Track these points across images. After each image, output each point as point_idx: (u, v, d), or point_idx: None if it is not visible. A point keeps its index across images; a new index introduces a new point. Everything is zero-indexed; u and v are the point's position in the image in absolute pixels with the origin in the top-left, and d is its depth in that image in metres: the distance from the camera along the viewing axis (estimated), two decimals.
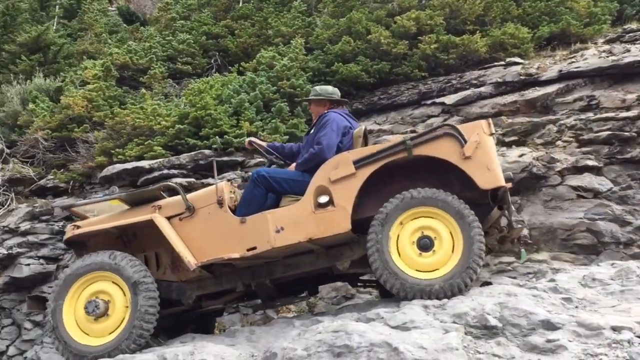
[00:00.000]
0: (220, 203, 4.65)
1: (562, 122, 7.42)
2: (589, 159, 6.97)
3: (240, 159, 7.88)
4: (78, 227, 4.93)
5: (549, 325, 3.43)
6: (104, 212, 5.08)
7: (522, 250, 4.90)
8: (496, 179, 4.20)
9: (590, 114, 7.34)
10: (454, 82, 8.72)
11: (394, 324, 3.79)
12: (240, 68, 9.81)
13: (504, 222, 4.87)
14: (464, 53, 8.90)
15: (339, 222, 4.35)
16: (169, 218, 4.73)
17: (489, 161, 4.22)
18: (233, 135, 7.86)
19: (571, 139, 7.22)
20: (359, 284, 5.57)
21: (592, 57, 7.98)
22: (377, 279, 4.36)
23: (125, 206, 4.96)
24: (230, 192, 4.85)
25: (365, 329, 3.70)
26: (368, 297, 6.26)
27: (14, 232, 7.72)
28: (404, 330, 3.65)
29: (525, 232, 4.81)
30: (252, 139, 5.31)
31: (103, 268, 4.54)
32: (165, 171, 7.57)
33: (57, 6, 13.19)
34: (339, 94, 5.20)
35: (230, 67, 10.16)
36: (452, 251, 4.20)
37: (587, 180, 6.84)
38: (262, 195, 4.71)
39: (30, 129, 8.73)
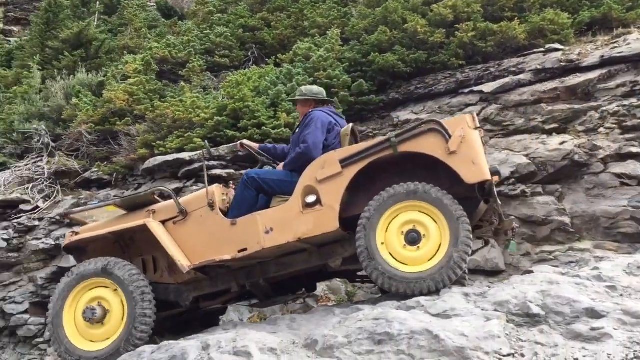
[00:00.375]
0: (211, 206, 4.70)
1: (604, 108, 7.26)
2: (633, 145, 6.81)
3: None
4: (76, 233, 5.03)
5: (594, 314, 3.39)
6: (102, 218, 5.16)
7: (513, 242, 4.84)
8: (481, 173, 4.17)
9: (633, 100, 7.16)
10: (492, 70, 8.60)
11: (434, 312, 3.81)
12: (277, 60, 9.87)
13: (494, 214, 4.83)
14: (502, 40, 8.76)
15: (327, 221, 4.37)
16: (164, 222, 4.78)
17: (474, 155, 4.19)
18: (271, 126, 7.94)
19: (614, 125, 7.07)
20: (357, 280, 5.57)
21: (635, 41, 7.76)
22: (367, 275, 4.39)
23: (123, 211, 5.02)
24: (223, 194, 4.90)
25: (405, 317, 3.72)
26: None
27: (61, 223, 7.98)
28: (445, 318, 3.66)
29: (515, 224, 4.80)
30: (244, 141, 5.34)
31: (98, 275, 4.62)
32: (205, 163, 7.69)
33: (97, 2, 13.49)
34: (325, 94, 5.22)
35: (267, 59, 10.24)
36: (440, 244, 4.19)
37: (630, 167, 6.69)
38: (252, 197, 4.75)
39: (74, 123, 8.97)
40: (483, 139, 4.56)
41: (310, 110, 4.92)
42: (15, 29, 14.12)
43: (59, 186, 8.49)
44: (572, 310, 3.45)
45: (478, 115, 8.04)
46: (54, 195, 8.39)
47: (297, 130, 5.00)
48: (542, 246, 6.61)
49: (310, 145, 4.64)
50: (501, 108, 7.94)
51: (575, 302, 3.50)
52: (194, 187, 7.47)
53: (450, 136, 4.22)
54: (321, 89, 5.25)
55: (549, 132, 7.38)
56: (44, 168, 8.61)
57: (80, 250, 5.05)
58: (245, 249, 4.51)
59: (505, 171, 7.03)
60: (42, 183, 8.48)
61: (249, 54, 10.60)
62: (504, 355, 3.08)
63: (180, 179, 7.81)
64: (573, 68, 7.84)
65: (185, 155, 7.83)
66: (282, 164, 5.04)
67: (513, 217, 4.97)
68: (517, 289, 3.83)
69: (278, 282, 5.15)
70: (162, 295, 4.85)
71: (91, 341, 4.57)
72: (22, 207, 8.17)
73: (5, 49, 12.19)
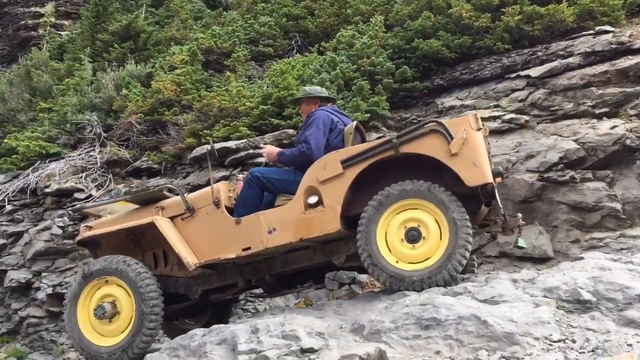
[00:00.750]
0: (216, 204, 4.77)
1: None
2: None
3: None
4: (90, 228, 5.19)
5: None
6: (115, 211, 5.27)
7: (520, 238, 4.83)
8: (483, 176, 4.13)
9: None
10: (539, 53, 8.41)
11: (481, 298, 3.82)
12: (321, 48, 9.90)
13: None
14: (549, 23, 8.54)
15: (328, 222, 4.41)
16: (172, 218, 4.87)
17: (476, 157, 4.15)
18: None
19: None
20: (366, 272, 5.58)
21: None
22: (369, 273, 4.43)
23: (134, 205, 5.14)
24: (230, 190, 4.98)
25: (452, 302, 3.74)
26: None
27: None
28: (493, 304, 3.67)
29: (521, 221, 4.80)
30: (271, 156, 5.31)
31: (107, 273, 4.73)
32: (251, 151, 7.84)
33: None
34: (327, 93, 5.26)
35: (310, 48, 10.27)
36: (440, 242, 4.19)
37: None
38: (257, 195, 4.81)
39: (124, 113, 9.22)
40: (487, 138, 4.52)
41: (313, 111, 4.94)
42: (66, 22, 14.56)
43: (110, 175, 8.78)
44: (625, 297, 3.41)
45: (525, 100, 7.93)
46: (107, 184, 8.68)
47: (299, 131, 5.04)
48: (592, 233, 6.48)
49: (312, 147, 4.67)
50: (549, 92, 7.77)
51: (628, 289, 3.45)
52: (240, 175, 7.61)
53: (452, 137, 4.18)
54: (324, 89, 5.33)
55: (599, 117, 7.20)
56: (96, 157, 8.90)
57: (94, 243, 5.17)
58: (249, 248, 4.60)
59: (554, 157, 6.91)
60: (95, 172, 8.78)
61: (293, 42, 10.65)
62: (554, 341, 3.07)
63: (226, 167, 7.97)
64: (624, 50, 7.59)
65: (231, 144, 7.98)
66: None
67: (521, 215, 4.93)
68: (567, 275, 3.80)
69: (286, 274, 5.20)
70: (172, 288, 4.98)
71: (104, 336, 4.71)
72: (77, 195, 8.48)
73: (58, 42, 12.59)
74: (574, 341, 3.03)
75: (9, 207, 8.67)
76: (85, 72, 10.26)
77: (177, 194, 4.97)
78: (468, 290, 3.97)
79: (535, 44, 8.64)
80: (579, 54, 7.91)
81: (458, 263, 4.13)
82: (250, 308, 7.45)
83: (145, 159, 8.77)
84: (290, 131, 7.94)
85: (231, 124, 8.24)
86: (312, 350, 3.76)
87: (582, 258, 4.65)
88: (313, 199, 4.47)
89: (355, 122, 4.94)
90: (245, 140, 7.98)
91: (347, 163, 4.40)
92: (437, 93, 8.97)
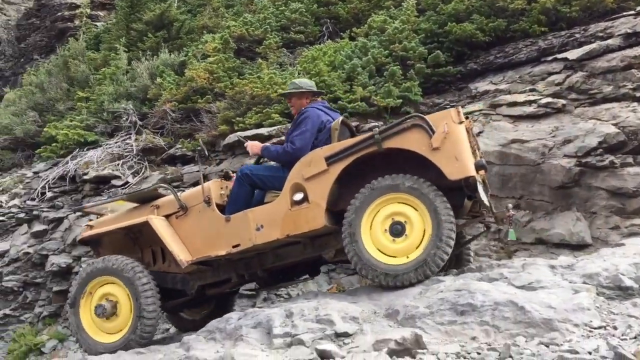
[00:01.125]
0: (207, 202, 4.86)
1: None
2: None
3: (354, 123, 7.97)
4: (91, 227, 5.35)
5: None
6: (116, 210, 5.42)
7: (511, 230, 4.91)
8: (464, 169, 4.13)
9: None
10: (577, 35, 8.20)
11: (518, 284, 3.78)
12: (352, 34, 9.83)
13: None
14: (588, 4, 8.31)
15: (313, 218, 4.45)
16: (167, 216, 5.00)
17: (458, 151, 4.15)
18: (347, 100, 7.97)
19: None
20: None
21: None
22: (353, 267, 4.45)
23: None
24: (222, 189, 5.06)
25: (488, 288, 3.71)
26: (488, 260, 6.18)
27: None
28: (530, 290, 3.62)
29: (512, 212, 4.79)
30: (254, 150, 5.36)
31: (104, 273, 4.90)
32: (283, 137, 7.84)
33: None
34: (315, 87, 5.26)
35: (341, 34, 10.21)
36: (423, 235, 4.19)
37: None
38: (247, 192, 4.87)
39: (159, 101, 9.35)
40: (472, 130, 4.49)
41: (305, 108, 4.93)
42: (101, 13, 14.79)
43: (146, 162, 8.93)
44: None
45: (562, 83, 7.75)
46: (142, 171, 8.84)
47: (290, 127, 5.05)
48: (633, 219, 6.32)
49: (297, 148, 4.71)
50: (587, 75, 7.58)
51: None
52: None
53: (433, 131, 4.18)
54: (313, 82, 5.35)
55: None
56: (132, 145, 9.07)
57: (96, 242, 5.33)
58: (238, 245, 4.69)
59: (593, 141, 6.75)
60: (131, 159, 8.94)
61: (324, 29, 10.59)
62: (594, 328, 3.02)
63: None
64: None
65: (263, 131, 8.02)
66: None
67: (511, 206, 4.91)
68: (608, 261, 3.74)
69: (282, 268, 5.27)
70: (170, 284, 5.12)
71: (107, 333, 4.91)
72: (114, 182, 8.67)
73: (93, 32, 12.81)
74: (615, 328, 2.98)
75: (49, 194, 8.92)
76: (121, 61, 10.42)
77: (166, 195, 5.12)
78: (504, 276, 3.93)
79: (573, 26, 8.43)
80: (619, 35, 7.68)
81: (439, 258, 4.15)
82: (284, 293, 7.52)
83: (180, 146, 8.89)
84: None
85: (263, 110, 8.28)
86: (346, 335, 3.79)
87: (623, 244, 4.57)
88: (298, 196, 4.54)
89: (341, 118, 4.92)
90: (278, 127, 8.00)
91: (331, 159, 4.43)
92: (470, 78, 8.83)
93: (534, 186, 6.95)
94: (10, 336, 8.45)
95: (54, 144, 9.59)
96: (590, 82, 7.52)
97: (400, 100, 8.12)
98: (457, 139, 4.18)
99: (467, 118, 4.47)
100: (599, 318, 3.10)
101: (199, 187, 5.01)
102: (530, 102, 7.74)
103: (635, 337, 2.78)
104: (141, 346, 4.68)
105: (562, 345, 2.86)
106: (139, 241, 5.23)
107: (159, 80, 9.61)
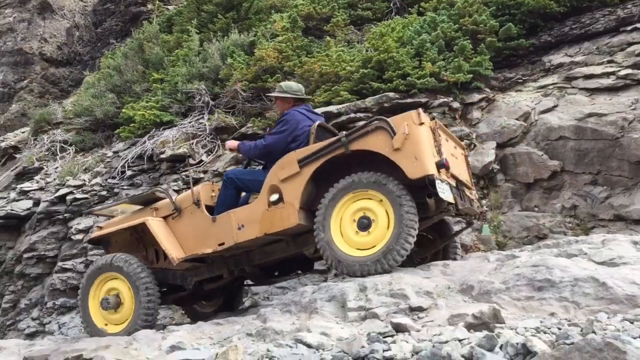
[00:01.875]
0: (197, 204, 5.31)
1: None
2: None
3: (423, 100, 7.93)
4: (101, 228, 5.93)
5: None
6: (126, 212, 5.93)
7: (484, 225, 5.28)
8: (423, 168, 4.35)
9: None
10: None
11: (599, 260, 3.73)
12: (420, 9, 9.69)
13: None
14: None
15: (288, 217, 4.78)
16: (165, 217, 5.44)
17: (417, 151, 4.39)
18: (416, 76, 7.91)
19: None
20: None
21: None
22: (324, 259, 4.73)
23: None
24: (212, 191, 5.50)
25: (567, 264, 3.68)
26: (567, 237, 6.06)
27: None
28: (612, 266, 3.57)
29: (484, 208, 5.12)
30: (227, 143, 5.77)
31: (109, 269, 5.41)
32: (352, 115, 7.90)
33: None
34: (304, 91, 5.58)
35: (409, 9, 10.08)
36: (387, 229, 4.44)
37: None
38: (233, 195, 5.30)
39: (230, 81, 9.55)
40: (437, 131, 4.66)
41: (287, 111, 5.29)
42: None
43: (219, 141, 9.18)
44: None
45: None
46: (216, 150, 9.11)
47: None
48: None
49: (267, 145, 5.18)
50: None
51: None
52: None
53: (395, 133, 4.43)
54: (300, 86, 5.65)
55: None
56: (205, 125, 9.34)
57: (106, 241, 5.85)
58: (223, 243, 5.06)
59: None
60: (205, 139, 9.22)
61: (391, 4, 10.47)
62: None
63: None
64: None
65: (333, 108, 8.08)
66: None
67: (485, 202, 4.93)
68: None
69: (275, 263, 5.65)
70: (170, 280, 5.61)
71: (112, 324, 5.40)
72: (189, 161, 8.99)
73: (166, 15, 13.15)
74: None
75: (129, 173, 9.33)
76: (193, 43, 10.68)
77: (165, 197, 5.58)
78: (583, 252, 3.88)
79: None
80: None
81: (399, 252, 4.37)
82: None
83: (251, 125, 9.08)
84: (391, 94, 7.92)
85: (332, 88, 8.34)
86: (420, 309, 3.85)
87: None
88: (274, 197, 4.88)
89: (318, 122, 5.21)
90: (347, 104, 8.05)
91: (303, 162, 4.78)
92: (543, 50, 8.56)
93: (612, 161, 6.73)
94: None
95: (132, 125, 10.00)
96: None
97: (471, 76, 7.99)
98: (417, 140, 4.44)
99: (432, 119, 4.76)
100: None
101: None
102: (608, 74, 7.46)
103: None
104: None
105: None
106: (143, 240, 5.71)
107: (229, 60, 9.81)
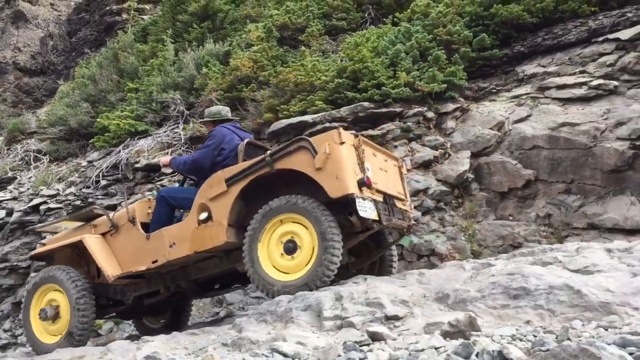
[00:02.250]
0: (132, 222, 5.36)
1: None
2: None
3: (398, 109, 7.96)
4: (44, 244, 6.05)
5: None
6: (68, 228, 5.97)
7: (406, 237, 5.46)
8: (343, 188, 4.40)
9: None
10: (629, 15, 7.93)
11: (573, 268, 3.74)
12: (395, 19, 9.75)
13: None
14: None
15: (217, 235, 4.83)
16: (104, 234, 5.48)
17: (338, 170, 4.43)
18: (390, 86, 7.94)
19: None
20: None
21: None
22: (253, 284, 4.78)
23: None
24: (149, 207, 5.54)
25: (542, 272, 3.69)
26: (542, 245, 6.10)
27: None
28: (586, 274, 3.58)
29: (413, 222, 5.32)
30: (161, 160, 5.88)
31: (48, 281, 5.44)
32: (327, 124, 7.88)
33: None
34: (225, 111, 5.73)
35: (384, 19, 10.14)
36: (313, 251, 4.47)
37: None
38: (166, 213, 5.37)
39: (205, 91, 9.51)
40: (360, 149, 4.68)
41: (213, 128, 5.43)
42: (147, 6, 15.10)
43: (194, 150, 9.10)
44: None
45: (614, 65, 7.54)
46: None
47: None
48: None
49: (194, 159, 5.28)
50: None
51: None
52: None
53: (316, 153, 4.48)
54: (220, 108, 5.82)
55: None
56: (180, 134, 9.27)
57: (50, 257, 5.87)
58: (156, 261, 5.11)
59: None
60: (180, 148, 9.15)
61: (366, 15, 10.54)
62: None
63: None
64: None
65: (308, 118, 8.07)
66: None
67: (412, 215, 5.28)
68: None
69: (219, 276, 5.70)
70: (111, 294, 5.66)
71: (50, 335, 5.43)
72: (164, 170, 8.87)
73: (141, 25, 13.08)
74: None
75: (103, 182, 9.22)
76: (168, 52, 10.63)
77: (103, 215, 5.60)
78: (558, 260, 3.89)
79: (624, 5, 8.17)
80: None
81: (323, 274, 4.40)
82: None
83: None
84: (366, 104, 7.93)
85: (307, 98, 8.33)
86: (396, 318, 3.82)
87: None
88: (203, 215, 4.91)
89: (247, 140, 5.30)
90: (322, 114, 8.04)
91: (230, 181, 4.82)
92: (517, 61, 8.67)
93: (586, 170, 6.82)
94: None
95: (107, 134, 9.90)
96: None
97: (445, 85, 8.05)
98: (338, 159, 4.47)
99: (356, 137, 4.74)
100: None
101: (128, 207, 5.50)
102: (580, 84, 7.57)
103: None
104: (76, 346, 5.09)
105: (621, 328, 2.82)
106: (84, 256, 5.68)
107: (204, 70, 9.76)
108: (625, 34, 7.66)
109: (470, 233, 7.08)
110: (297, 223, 4.63)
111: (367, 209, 4.53)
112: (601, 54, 7.83)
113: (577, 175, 6.87)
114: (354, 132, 5.29)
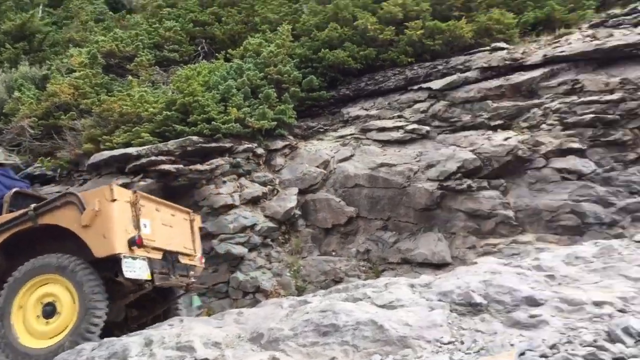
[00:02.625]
0: None
1: (546, 105, 7.49)
2: (573, 141, 7.05)
3: (228, 144, 7.88)
4: None
5: (532, 302, 3.48)
6: None
7: (194, 296, 5.45)
8: (110, 247, 4.30)
9: (574, 98, 7.41)
10: (440, 67, 8.74)
11: (380, 303, 3.85)
12: (227, 55, 9.77)
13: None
14: (450, 39, 8.90)
15: None
16: None
17: (106, 229, 4.33)
18: (221, 121, 7.84)
19: (556, 122, 7.30)
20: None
21: (576, 41, 8.04)
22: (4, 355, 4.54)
23: None
24: None
25: (352, 308, 3.74)
26: (357, 281, 6.30)
27: None
28: (391, 309, 3.70)
29: (192, 280, 5.23)
30: None
31: None
32: (153, 157, 7.54)
33: None
34: (2, 158, 5.59)
35: (217, 54, 10.11)
36: (74, 313, 4.32)
37: (571, 162, 6.94)
38: None
39: (16, 117, 8.66)
40: (137, 206, 4.61)
41: None
42: None
43: None
44: (513, 299, 3.54)
45: (426, 111, 8.19)
46: None
47: None
48: (487, 239, 6.76)
49: None
50: (449, 104, 8.08)
51: (516, 291, 3.59)
52: (142, 182, 7.33)
53: (85, 209, 4.36)
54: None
55: (494, 128, 7.56)
56: None
57: None
58: None
59: (452, 166, 7.18)
60: None
61: (199, 48, 10.45)
62: (444, 343, 3.13)
63: (127, 174, 7.61)
64: (517, 66, 8.05)
65: (132, 150, 7.65)
66: None
67: (192, 273, 5.24)
68: (461, 279, 3.91)
69: None
70: None
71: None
72: None
73: None
74: (462, 342, 3.10)
75: None
76: None
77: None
78: (367, 295, 3.99)
79: (436, 58, 8.98)
80: (476, 68, 8.29)
81: (88, 330, 4.24)
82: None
83: (39, 165, 8.25)
84: (195, 138, 7.74)
85: (133, 129, 7.92)
86: None
87: (476, 263, 4.83)
88: None
89: (14, 190, 5.13)
90: (148, 146, 7.68)
91: None
92: (343, 103, 9.10)
93: (401, 208, 7.25)
94: None
95: None
96: (451, 110, 8.02)
97: (275, 123, 8.15)
98: (107, 217, 4.32)
99: (134, 193, 4.63)
100: (450, 334, 3.22)
101: None
102: (397, 128, 8.10)
103: (478, 351, 2.91)
104: None
105: None
106: None
107: (17, 94, 8.90)
108: (436, 84, 8.39)
109: (295, 269, 7.14)
110: (57, 284, 4.31)
111: (136, 269, 4.30)
112: (416, 101, 8.48)
113: (394, 212, 7.28)
114: (134, 189, 4.98)
